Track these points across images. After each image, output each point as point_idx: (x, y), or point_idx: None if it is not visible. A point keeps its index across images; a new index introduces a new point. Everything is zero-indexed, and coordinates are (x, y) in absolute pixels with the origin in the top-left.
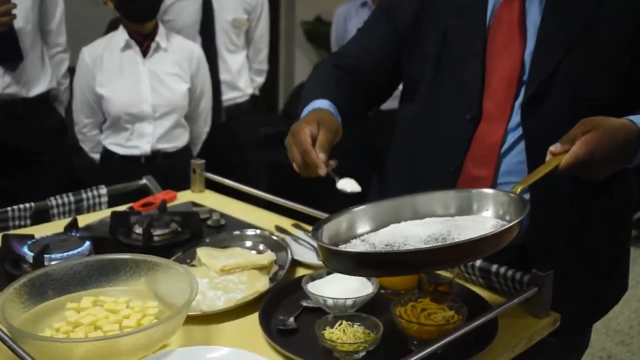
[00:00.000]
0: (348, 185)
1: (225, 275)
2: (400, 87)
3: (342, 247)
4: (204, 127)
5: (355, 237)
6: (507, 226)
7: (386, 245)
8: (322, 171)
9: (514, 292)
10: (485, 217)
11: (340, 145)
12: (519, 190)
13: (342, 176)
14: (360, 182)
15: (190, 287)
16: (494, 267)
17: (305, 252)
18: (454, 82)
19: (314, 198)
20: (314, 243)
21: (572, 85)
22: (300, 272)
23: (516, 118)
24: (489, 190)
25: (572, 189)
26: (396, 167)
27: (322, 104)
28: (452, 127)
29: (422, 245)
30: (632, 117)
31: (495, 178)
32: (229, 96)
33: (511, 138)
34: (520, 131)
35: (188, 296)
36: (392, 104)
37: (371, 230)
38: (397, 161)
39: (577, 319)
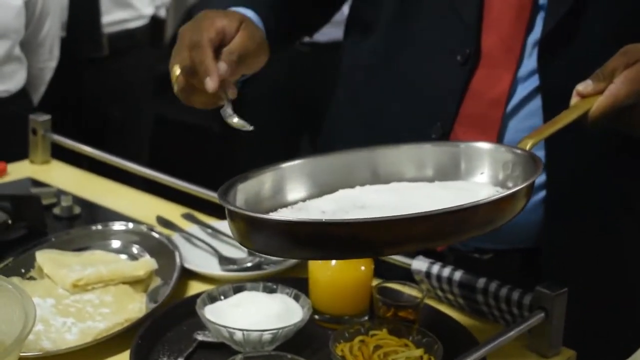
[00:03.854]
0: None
1: (79, 294)
2: (346, 9)
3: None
4: (50, 60)
5: (285, 204)
6: (511, 191)
7: (333, 216)
8: (212, 84)
9: (509, 319)
10: (478, 184)
11: (254, 92)
12: (529, 145)
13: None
14: (287, 151)
15: (24, 315)
16: (480, 283)
17: (201, 257)
18: (436, 5)
19: (222, 175)
20: (217, 242)
21: (613, 12)
22: (194, 287)
23: (530, 62)
24: (485, 145)
25: (606, 161)
26: (343, 132)
27: (246, 12)
28: (435, 73)
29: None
30: None
31: None
32: (114, 17)
33: (522, 91)
34: (535, 81)
35: (19, 330)
36: (333, 32)
37: (309, 197)
38: (346, 123)
39: (597, 354)
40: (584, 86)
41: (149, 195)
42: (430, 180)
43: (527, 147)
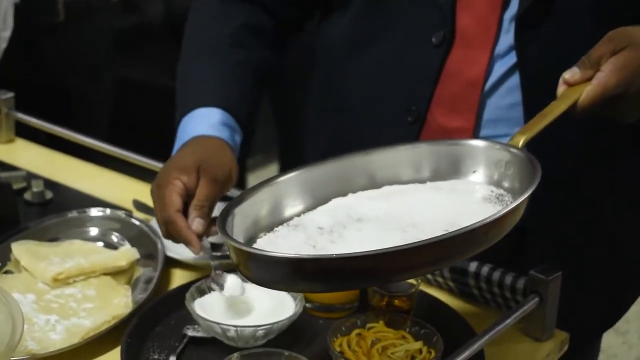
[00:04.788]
0: (235, 287)
1: (61, 288)
2: None
3: (264, 245)
4: (3, 30)
5: (282, 220)
6: (516, 203)
7: (331, 233)
8: (195, 251)
9: (500, 302)
10: (472, 183)
11: None
12: (521, 142)
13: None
14: (262, 144)
15: (12, 322)
16: (472, 267)
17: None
18: None
19: None
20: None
21: None
22: (179, 276)
23: (507, 38)
24: (479, 143)
25: (593, 138)
26: (319, 119)
27: (210, 119)
28: (409, 56)
29: (383, 231)
30: None
31: (476, 129)
32: None
33: (500, 68)
34: (513, 58)
35: (8, 338)
36: None
37: (305, 209)
38: (321, 109)
39: (587, 330)
40: (571, 74)
41: (123, 175)
42: (425, 180)
43: (520, 144)
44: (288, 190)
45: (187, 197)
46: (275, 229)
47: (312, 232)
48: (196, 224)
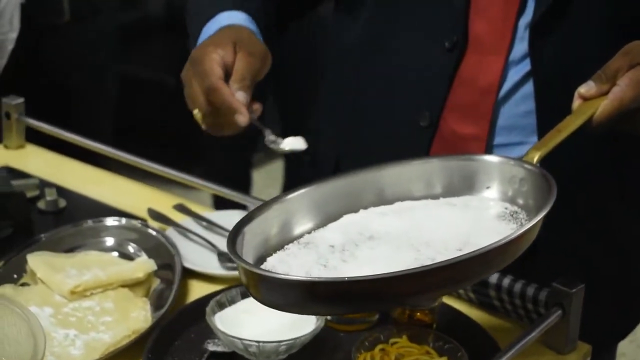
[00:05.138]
0: (296, 143)
1: (78, 301)
2: None
3: (275, 264)
4: (10, 31)
5: (292, 238)
6: (531, 223)
7: (342, 251)
8: (243, 119)
9: (522, 314)
10: (486, 199)
11: None
12: (536, 158)
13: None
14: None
15: (34, 340)
16: (493, 278)
17: (199, 253)
18: None
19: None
20: (213, 235)
21: None
22: (196, 287)
23: (521, 46)
24: (493, 158)
25: (603, 147)
26: (330, 121)
27: (234, 18)
28: (422, 60)
29: (396, 250)
30: None
31: (490, 137)
32: None
33: (514, 76)
34: (527, 65)
35: (30, 356)
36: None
37: (316, 226)
38: (332, 111)
39: (598, 341)
40: (587, 88)
41: (136, 182)
42: (438, 196)
43: (535, 160)
44: (298, 207)
45: (226, 72)
46: (286, 247)
47: (323, 251)
48: (240, 95)
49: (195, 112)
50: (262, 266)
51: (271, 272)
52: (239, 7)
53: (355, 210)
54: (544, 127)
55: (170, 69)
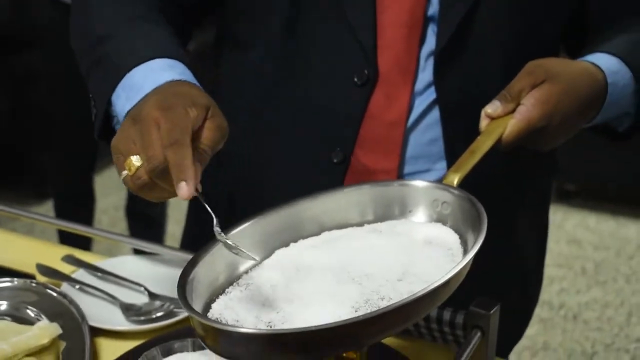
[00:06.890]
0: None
1: None
2: None
3: (220, 310)
4: None
5: (237, 276)
6: (470, 255)
7: (285, 288)
8: (188, 192)
9: (437, 337)
10: (411, 223)
11: None
12: (455, 181)
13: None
14: None
15: None
16: None
17: (101, 307)
18: (328, 27)
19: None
20: (111, 286)
21: (504, 22)
22: (105, 346)
23: (425, 75)
24: (418, 183)
25: (504, 163)
26: (240, 159)
27: (173, 70)
28: (332, 96)
29: (339, 284)
30: (591, 58)
31: (400, 168)
32: None
33: (419, 105)
34: (432, 94)
35: None
36: None
37: (252, 265)
38: (243, 147)
39: (507, 348)
40: (493, 108)
41: (18, 235)
42: (368, 222)
43: (455, 183)
44: (240, 244)
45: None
46: (227, 290)
47: (266, 291)
48: (196, 166)
49: (131, 159)
50: (209, 314)
51: (233, 326)
52: (166, 50)
53: (287, 244)
54: (452, 152)
55: None
